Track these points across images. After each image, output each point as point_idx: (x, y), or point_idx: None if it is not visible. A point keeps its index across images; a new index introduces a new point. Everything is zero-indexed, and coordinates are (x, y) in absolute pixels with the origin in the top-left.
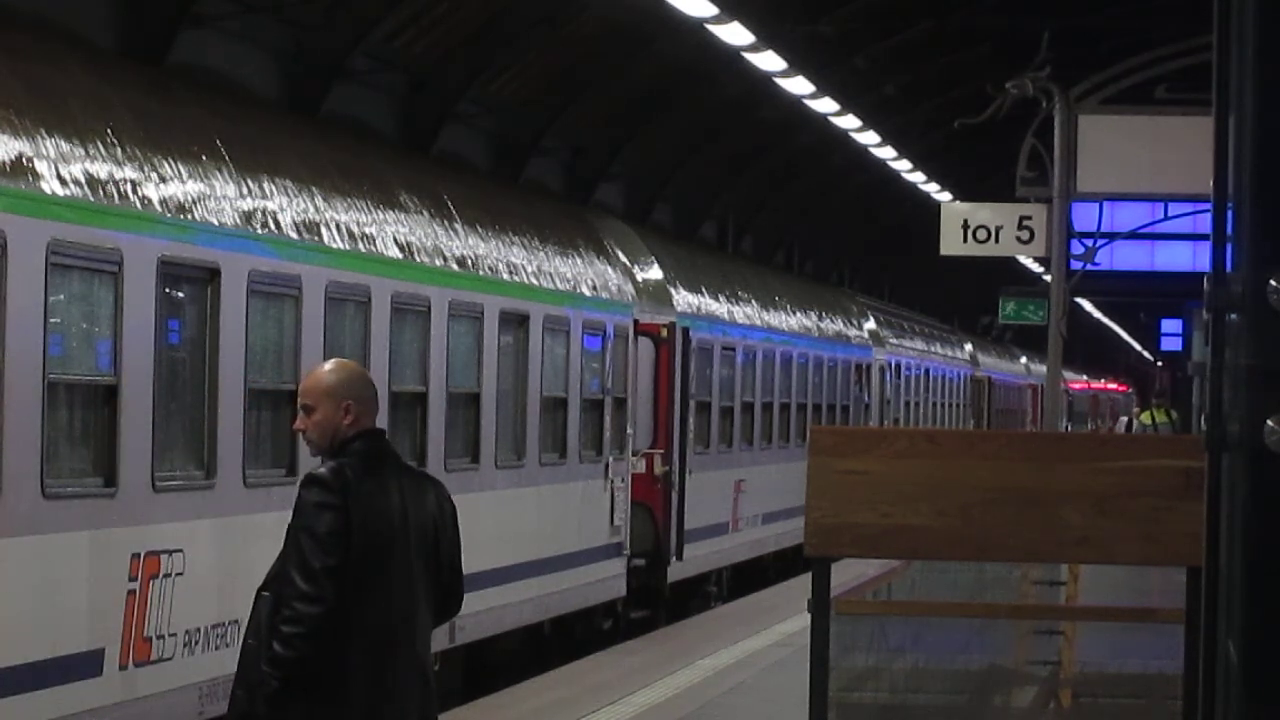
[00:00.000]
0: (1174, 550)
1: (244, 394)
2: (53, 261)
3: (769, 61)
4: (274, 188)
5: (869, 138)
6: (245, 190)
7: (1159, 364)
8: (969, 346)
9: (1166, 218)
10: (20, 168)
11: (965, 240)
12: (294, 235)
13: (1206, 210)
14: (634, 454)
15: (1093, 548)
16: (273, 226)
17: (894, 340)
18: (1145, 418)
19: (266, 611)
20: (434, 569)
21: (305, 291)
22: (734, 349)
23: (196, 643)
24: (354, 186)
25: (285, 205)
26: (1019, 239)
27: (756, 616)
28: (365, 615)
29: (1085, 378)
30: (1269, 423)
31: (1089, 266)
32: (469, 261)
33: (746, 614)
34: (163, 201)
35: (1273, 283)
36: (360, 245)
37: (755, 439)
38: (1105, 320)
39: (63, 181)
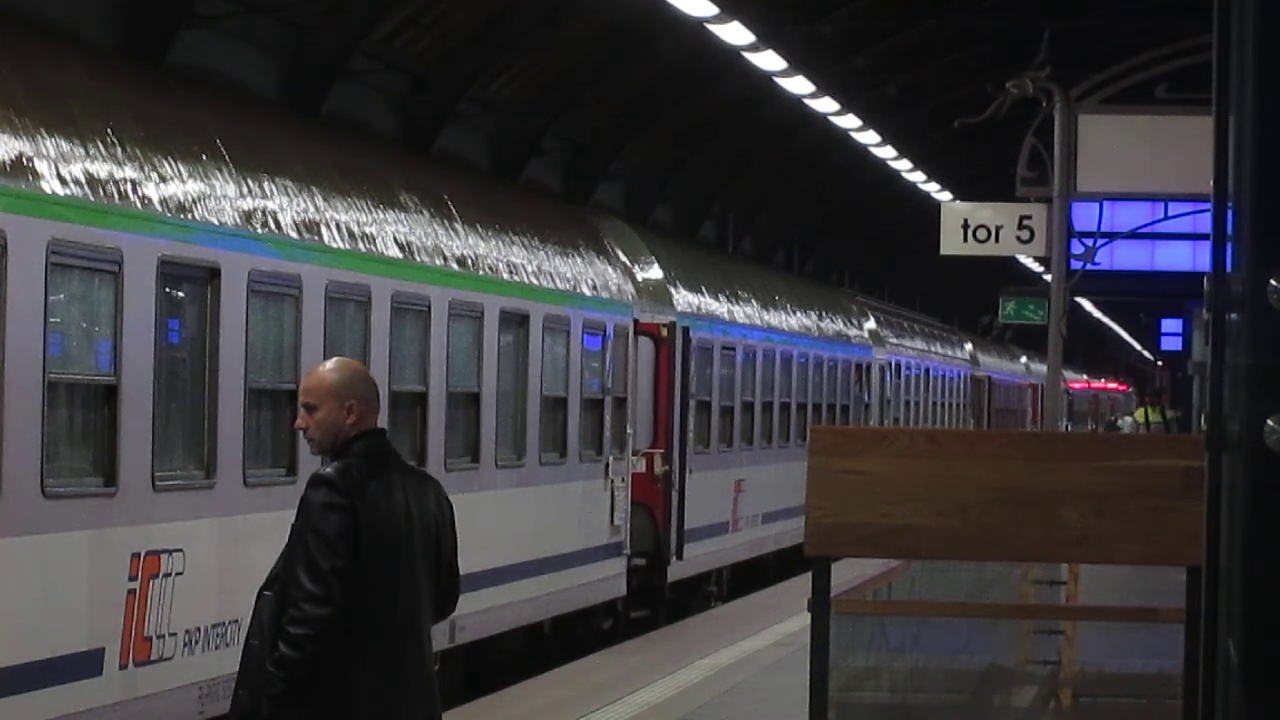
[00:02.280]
0: (1174, 550)
1: (244, 394)
2: (53, 261)
3: (769, 61)
4: (274, 187)
5: (869, 138)
6: (245, 190)
7: (1159, 364)
8: (969, 346)
9: (1166, 217)
10: (20, 167)
11: (965, 240)
12: (294, 235)
13: (1206, 210)
14: (634, 454)
15: (1092, 548)
16: (273, 226)
17: (894, 340)
18: (1139, 415)
19: (269, 611)
20: (436, 568)
21: (305, 291)
22: (734, 349)
23: (197, 642)
24: (354, 186)
25: (285, 205)
26: (1019, 239)
27: (756, 616)
28: (372, 616)
29: (1085, 377)
30: (1269, 423)
31: (1089, 266)
32: (469, 261)
33: (746, 614)
34: (163, 201)
35: (1273, 283)
36: (360, 245)
37: (755, 439)
38: (1105, 320)
39: (63, 181)
